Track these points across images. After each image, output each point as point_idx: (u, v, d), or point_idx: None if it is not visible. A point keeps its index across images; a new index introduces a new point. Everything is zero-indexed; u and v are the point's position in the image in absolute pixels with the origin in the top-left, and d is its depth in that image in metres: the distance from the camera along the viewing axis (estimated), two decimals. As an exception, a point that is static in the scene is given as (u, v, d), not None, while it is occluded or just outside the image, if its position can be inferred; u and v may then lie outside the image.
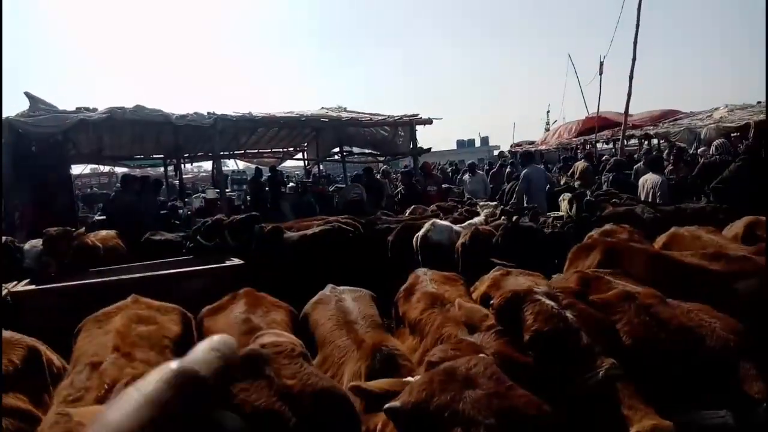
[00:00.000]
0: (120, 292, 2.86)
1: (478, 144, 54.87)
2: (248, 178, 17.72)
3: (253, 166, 17.71)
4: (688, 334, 1.87)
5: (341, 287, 2.92)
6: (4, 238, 6.75)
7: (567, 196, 8.60)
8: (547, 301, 1.79)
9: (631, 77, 13.92)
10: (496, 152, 34.86)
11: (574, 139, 23.26)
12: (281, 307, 2.63)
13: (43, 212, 9.85)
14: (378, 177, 13.42)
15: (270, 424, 1.16)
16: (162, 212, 11.55)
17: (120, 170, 19.17)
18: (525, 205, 8.75)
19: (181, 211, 12.84)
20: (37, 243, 6.66)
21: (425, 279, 2.85)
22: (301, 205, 12.48)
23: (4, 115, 9.82)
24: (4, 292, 5.41)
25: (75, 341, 2.42)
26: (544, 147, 25.96)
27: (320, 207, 12.44)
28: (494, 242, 5.42)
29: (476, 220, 7.50)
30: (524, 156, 11.38)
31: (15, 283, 5.73)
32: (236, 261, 6.37)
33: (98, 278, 5.86)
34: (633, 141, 20.25)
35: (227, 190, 15.04)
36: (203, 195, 16.15)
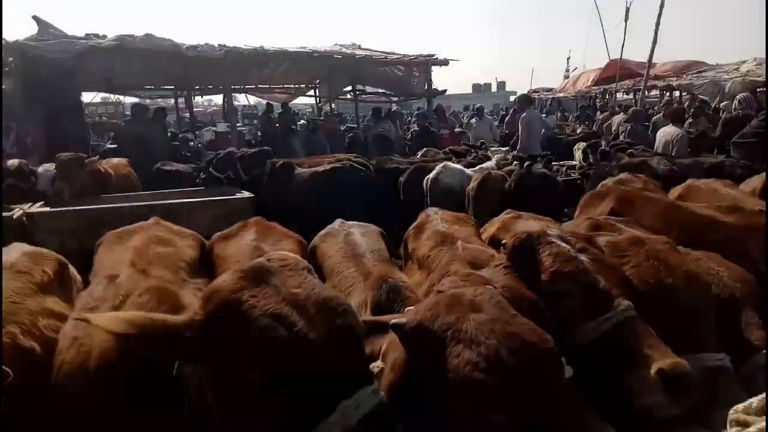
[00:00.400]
0: (132, 220, 2.92)
1: (494, 89, 53.64)
2: (259, 114, 17.53)
3: (264, 102, 17.49)
4: (694, 280, 1.88)
5: (350, 222, 2.93)
6: (18, 160, 6.80)
7: (581, 145, 8.48)
8: (563, 244, 1.80)
9: (657, 24, 13.36)
10: (512, 98, 34.08)
11: (593, 87, 22.63)
12: (291, 236, 2.65)
13: (54, 137, 9.86)
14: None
15: (276, 328, 1.20)
16: (173, 143, 11.52)
17: (129, 100, 18.98)
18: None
19: (192, 143, 12.80)
20: (50, 167, 6.70)
21: (436, 218, 2.85)
22: (312, 143, 12.40)
23: (14, 38, 9.67)
24: (19, 212, 5.52)
25: (95, 254, 2.51)
26: (562, 94, 25.33)
27: (331, 145, 12.35)
28: (507, 188, 5.39)
29: (488, 164, 7.44)
30: (522, 100, 11.14)
31: (29, 204, 5.83)
32: (246, 194, 6.41)
33: (110, 204, 5.95)
34: (654, 93, 19.68)
35: (238, 125, 14.89)
36: (214, 128, 16.07)
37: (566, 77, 28.85)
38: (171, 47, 10.67)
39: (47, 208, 5.81)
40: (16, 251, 2.50)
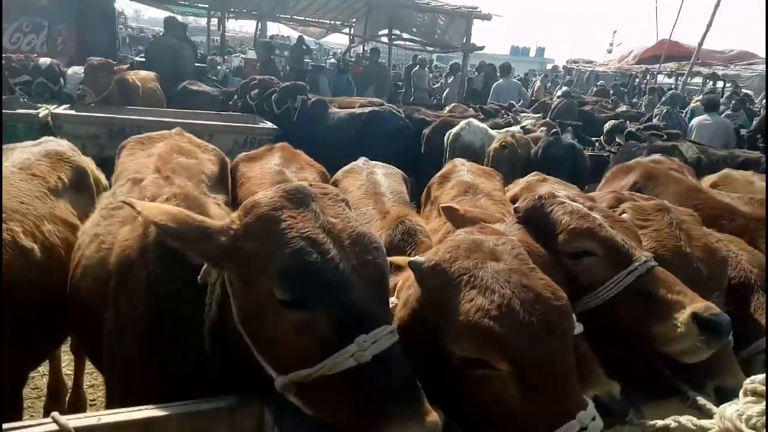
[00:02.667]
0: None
1: (532, 54, 52.11)
2: (291, 45, 17.22)
3: (296, 35, 17.16)
4: (712, 255, 1.86)
5: (374, 161, 2.92)
6: (49, 59, 6.78)
7: (611, 123, 8.29)
8: (574, 203, 1.78)
9: (716, 6, 12.75)
10: (549, 65, 33.10)
11: (635, 65, 21.88)
12: (314, 166, 2.66)
13: (84, 41, 9.79)
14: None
15: (310, 252, 1.21)
16: (199, 65, 11.40)
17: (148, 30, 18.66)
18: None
19: (220, 67, 12.66)
20: (79, 70, 6.69)
21: (462, 168, 2.84)
22: (340, 83, 12.22)
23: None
24: (45, 111, 5.56)
25: (118, 157, 2.54)
26: (601, 69, 24.54)
27: (358, 88, 12.17)
28: (533, 154, 5.32)
29: (515, 128, 7.31)
30: (502, 69, 11.45)
31: (56, 105, 5.87)
32: (269, 124, 6.40)
33: (135, 115, 5.97)
34: (697, 80, 19.00)
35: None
36: (243, 55, 15.86)
37: (609, 51, 27.86)
38: (213, -39, 10.37)
39: (72, 111, 5.85)
40: (39, 150, 2.52)
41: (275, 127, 6.24)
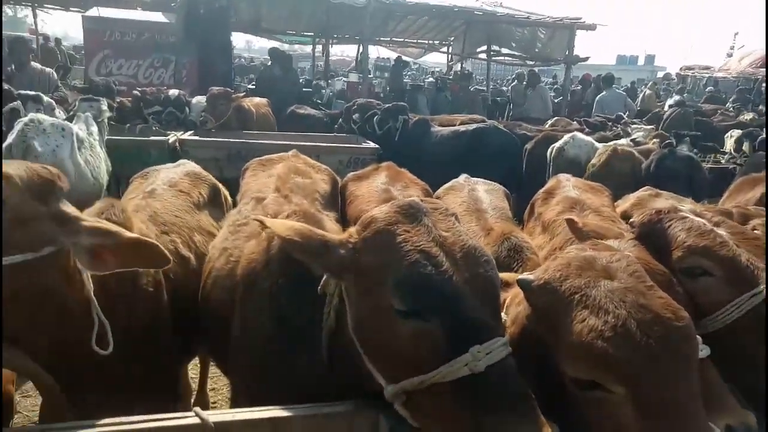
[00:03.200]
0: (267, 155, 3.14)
1: (641, 62, 49.26)
2: (391, 66, 17.66)
3: (395, 55, 17.58)
4: None
5: (475, 178, 2.94)
6: (177, 91, 7.53)
7: (735, 132, 7.62)
8: (696, 218, 1.69)
9: None
10: (661, 73, 31.07)
11: (759, 69, 19.91)
12: (418, 184, 2.74)
13: (204, 73, 10.75)
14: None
15: (425, 265, 1.27)
16: (306, 90, 12.06)
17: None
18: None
19: (324, 91, 13.28)
20: (201, 99, 7.35)
21: (568, 184, 2.77)
22: (438, 101, 12.33)
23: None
24: (173, 138, 6.17)
25: (242, 177, 2.81)
26: (721, 74, 22.61)
27: (454, 105, 12.20)
28: (645, 167, 5.03)
29: (624, 140, 6.96)
30: (605, 80, 10.91)
31: (182, 132, 6.50)
32: (371, 144, 6.62)
33: (250, 139, 6.44)
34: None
35: (369, 76, 15.15)
36: (345, 78, 16.53)
37: (729, 55, 25.65)
38: (317, -7, 11.01)
39: (196, 137, 6.44)
40: (180, 170, 2.85)
41: (377, 146, 6.44)
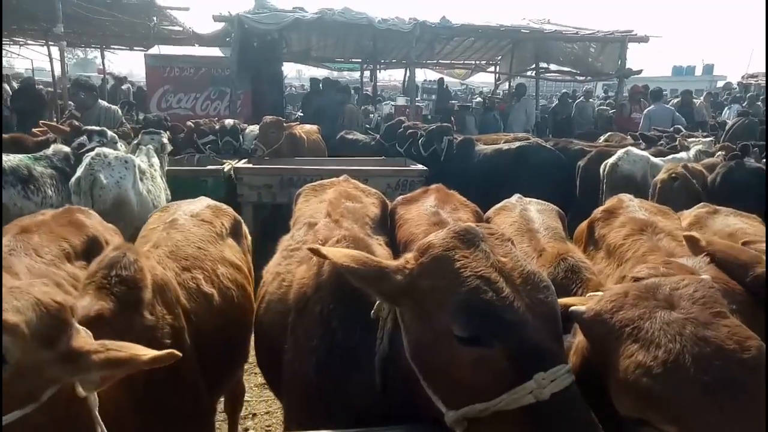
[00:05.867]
0: (318, 181, 3.16)
1: (698, 72, 47.34)
2: (437, 88, 17.78)
3: (439, 77, 17.69)
4: None
5: (528, 198, 2.88)
6: (232, 120, 7.85)
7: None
8: None
9: None
10: (720, 83, 29.76)
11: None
12: (468, 206, 2.71)
13: (258, 103, 11.16)
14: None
15: (485, 291, 1.25)
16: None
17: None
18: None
19: (372, 115, 13.50)
20: (254, 128, 7.62)
21: (632, 204, 2.61)
22: (486, 121, 12.29)
23: (235, 11, 11.00)
24: (228, 167, 6.40)
25: (295, 203, 2.87)
26: (788, 81, 21.41)
27: (504, 124, 12.12)
28: (710, 182, 4.77)
29: (683, 155, 6.66)
30: (653, 94, 10.50)
31: (237, 160, 6.74)
32: (419, 166, 6.64)
33: (301, 165, 6.60)
34: None
35: (416, 99, 15.30)
36: (392, 102, 16.75)
37: (797, 60, 24.30)
38: (365, 20, 11.26)
39: (249, 165, 6.65)
40: (201, 203, 2.85)
41: (425, 168, 6.46)
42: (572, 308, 1.34)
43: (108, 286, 1.61)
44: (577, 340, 1.42)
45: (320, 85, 12.46)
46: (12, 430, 1.18)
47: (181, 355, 1.32)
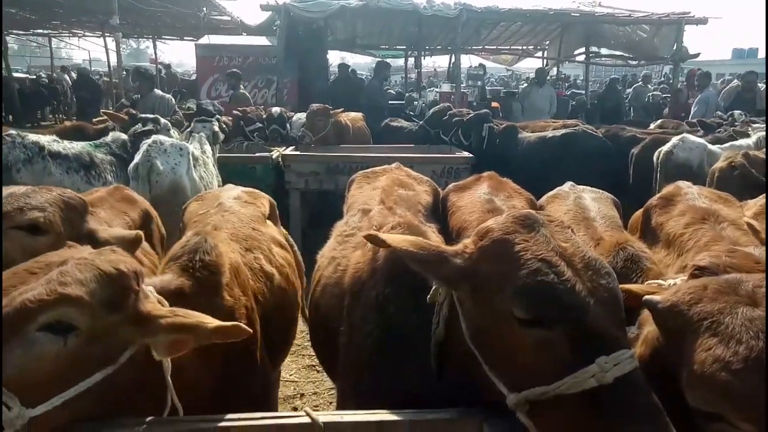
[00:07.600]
0: (363, 169, 3.20)
1: (761, 54, 44.81)
2: (483, 74, 17.51)
3: (489, 64, 17.39)
4: None
5: (581, 186, 2.82)
6: (279, 108, 7.96)
7: None
8: None
9: None
10: (785, 66, 27.99)
11: None
12: (522, 194, 2.68)
13: (304, 91, 11.29)
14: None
15: (547, 273, 1.25)
16: (398, 102, 12.29)
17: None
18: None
19: (416, 102, 13.44)
20: (301, 116, 7.71)
21: (690, 192, 2.53)
22: (533, 107, 12.02)
23: (282, 0, 11.11)
24: (276, 154, 6.52)
25: (348, 190, 2.92)
26: None
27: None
28: (772, 170, 4.53)
29: (743, 142, 6.35)
30: (700, 78, 10.05)
31: (284, 147, 6.85)
32: (465, 153, 6.59)
33: (347, 153, 6.66)
34: None
35: (462, 85, 15.12)
36: (437, 89, 16.61)
37: None
38: (410, 6, 11.19)
39: (297, 152, 6.76)
40: (234, 189, 2.90)
41: (471, 155, 6.40)
42: (646, 298, 1.33)
43: (191, 270, 1.69)
44: (645, 330, 1.40)
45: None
46: (93, 392, 1.27)
47: (251, 331, 1.38)
